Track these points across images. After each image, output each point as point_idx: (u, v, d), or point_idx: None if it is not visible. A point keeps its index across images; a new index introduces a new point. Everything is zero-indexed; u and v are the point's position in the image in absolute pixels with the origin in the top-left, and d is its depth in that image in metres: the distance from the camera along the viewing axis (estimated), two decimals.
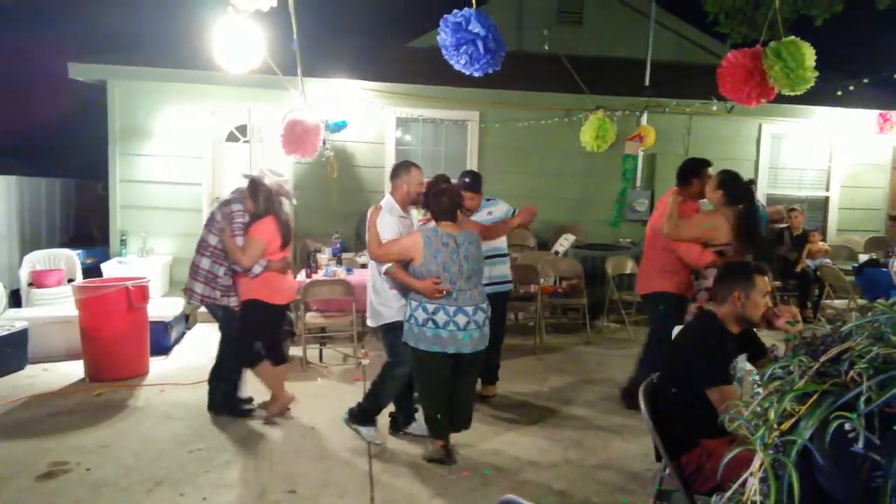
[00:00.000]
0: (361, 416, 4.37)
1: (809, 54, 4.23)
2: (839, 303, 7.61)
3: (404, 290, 4.09)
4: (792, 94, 4.32)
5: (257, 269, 4.47)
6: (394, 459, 4.11)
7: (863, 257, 8.19)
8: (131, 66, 7.79)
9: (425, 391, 4.07)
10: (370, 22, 10.47)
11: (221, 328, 4.78)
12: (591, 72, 8.85)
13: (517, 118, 8.61)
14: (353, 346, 6.26)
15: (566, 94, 8.53)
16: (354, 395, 5.24)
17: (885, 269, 7.38)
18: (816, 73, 4.26)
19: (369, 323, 4.42)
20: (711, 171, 4.78)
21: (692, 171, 4.77)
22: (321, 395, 5.30)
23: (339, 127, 7.85)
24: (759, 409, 1.23)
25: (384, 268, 4.09)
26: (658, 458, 2.98)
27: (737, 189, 4.44)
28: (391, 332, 4.22)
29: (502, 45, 3.88)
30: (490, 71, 3.92)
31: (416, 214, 4.61)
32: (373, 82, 8.13)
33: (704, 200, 4.75)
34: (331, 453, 4.17)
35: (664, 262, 4.71)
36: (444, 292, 3.85)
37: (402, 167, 4.34)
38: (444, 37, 3.83)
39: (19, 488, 3.63)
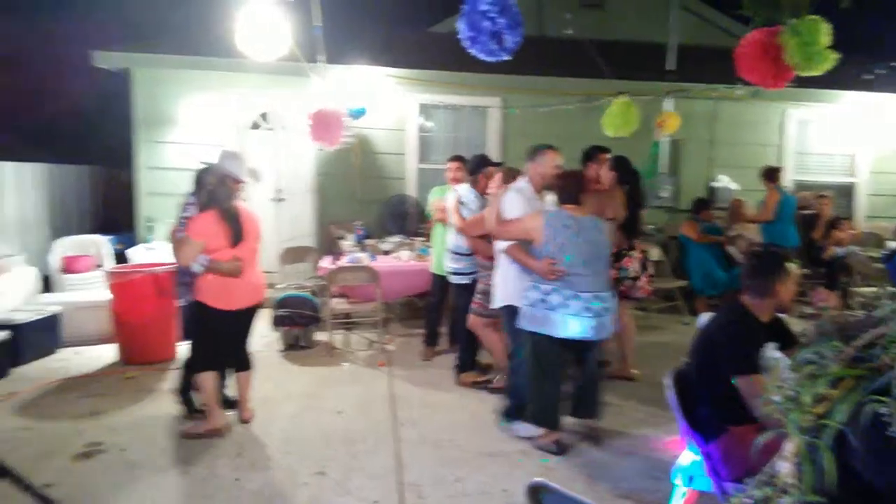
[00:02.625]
0: (510, 413, 4.34)
1: (825, 32, 4.16)
2: (867, 290, 7.53)
3: (525, 271, 4.06)
4: (809, 73, 4.24)
5: (197, 267, 4.03)
6: (422, 442, 4.17)
7: (891, 244, 8.08)
8: (154, 54, 7.86)
9: (534, 377, 3.98)
10: (390, 7, 10.47)
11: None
12: (614, 56, 8.78)
13: (539, 104, 8.56)
14: (378, 331, 6.32)
15: (589, 79, 8.47)
16: (380, 380, 5.33)
17: None
18: (835, 55, 4.19)
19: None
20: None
21: (589, 157, 5.34)
22: (347, 380, 5.36)
23: (358, 114, 7.86)
24: (791, 392, 1.25)
25: (502, 246, 4.13)
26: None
27: (627, 172, 5.23)
28: (507, 316, 4.29)
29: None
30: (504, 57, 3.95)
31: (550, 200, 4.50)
32: (395, 68, 8.13)
33: None
34: (359, 437, 4.24)
35: None
36: (560, 275, 3.80)
37: (539, 150, 4.33)
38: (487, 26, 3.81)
39: (57, 468, 3.73)
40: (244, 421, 4.40)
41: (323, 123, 5.76)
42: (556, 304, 3.81)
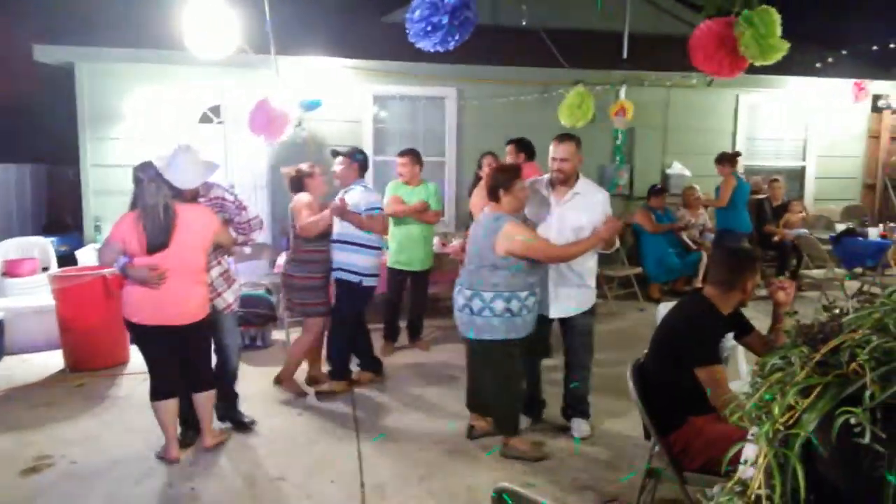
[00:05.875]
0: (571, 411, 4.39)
1: (777, 22, 4.22)
2: (817, 272, 7.72)
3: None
4: (763, 63, 4.30)
5: (115, 268, 3.78)
6: (385, 441, 4.12)
7: (839, 226, 8.30)
8: (98, 48, 7.56)
9: None
10: None
11: None
12: (570, 45, 8.76)
13: (496, 94, 8.52)
14: None
15: (545, 68, 8.45)
16: None
17: (861, 239, 7.49)
18: (786, 45, 4.25)
19: None
20: None
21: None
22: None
23: (313, 106, 7.69)
24: (762, 401, 1.22)
25: None
26: (647, 436, 3.01)
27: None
28: None
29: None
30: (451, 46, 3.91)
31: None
32: (349, 59, 7.97)
33: None
34: (320, 437, 4.16)
35: None
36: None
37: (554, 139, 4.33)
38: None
39: (3, 484, 3.57)
40: (207, 447, 3.95)
41: (263, 116, 5.59)
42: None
